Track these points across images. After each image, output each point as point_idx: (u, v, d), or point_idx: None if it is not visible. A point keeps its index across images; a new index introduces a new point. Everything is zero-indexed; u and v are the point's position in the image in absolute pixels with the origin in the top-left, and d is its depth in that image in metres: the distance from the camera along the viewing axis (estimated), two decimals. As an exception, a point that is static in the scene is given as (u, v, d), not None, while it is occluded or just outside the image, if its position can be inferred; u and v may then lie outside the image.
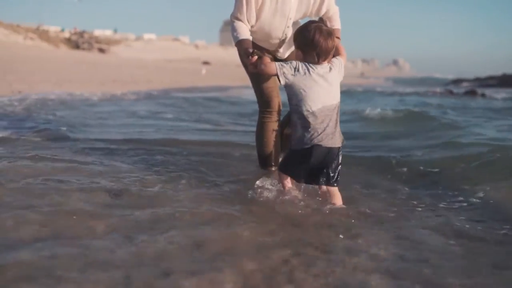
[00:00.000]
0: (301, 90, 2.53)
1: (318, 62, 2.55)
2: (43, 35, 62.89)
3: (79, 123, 5.69)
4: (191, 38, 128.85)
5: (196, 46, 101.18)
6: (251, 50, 2.67)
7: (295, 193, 2.80)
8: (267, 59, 2.60)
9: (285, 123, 3.36)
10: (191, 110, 9.03)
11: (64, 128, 5.07)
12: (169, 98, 11.41)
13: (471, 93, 23.36)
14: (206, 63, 53.73)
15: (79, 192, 2.62)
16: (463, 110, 11.84)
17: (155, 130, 5.66)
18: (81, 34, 71.27)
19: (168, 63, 49.01)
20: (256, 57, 2.61)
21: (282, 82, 2.56)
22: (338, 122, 2.64)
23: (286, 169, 2.77)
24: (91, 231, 2.05)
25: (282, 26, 2.99)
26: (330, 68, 2.59)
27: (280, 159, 2.98)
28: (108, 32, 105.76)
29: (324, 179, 2.64)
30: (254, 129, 3.41)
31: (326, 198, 2.74)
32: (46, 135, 4.61)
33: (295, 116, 2.61)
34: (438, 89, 28.67)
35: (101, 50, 66.19)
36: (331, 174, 2.64)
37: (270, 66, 2.55)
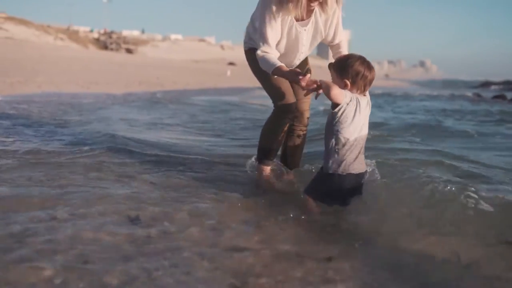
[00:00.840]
0: (348, 119, 2.68)
1: (364, 92, 2.74)
2: (73, 35, 64.39)
3: (71, 132, 5.37)
4: (217, 38, 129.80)
5: (222, 47, 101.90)
6: (299, 70, 2.81)
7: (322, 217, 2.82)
8: (336, 86, 2.64)
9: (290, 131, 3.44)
10: (202, 118, 8.50)
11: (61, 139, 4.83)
12: (181, 104, 11.03)
13: (499, 97, 22.87)
14: (231, 63, 54.09)
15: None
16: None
17: (169, 137, 5.50)
18: (109, 34, 72.53)
19: (194, 63, 49.52)
20: (308, 75, 2.72)
21: (337, 108, 2.66)
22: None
23: (317, 194, 2.84)
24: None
25: (293, 58, 3.20)
26: (368, 101, 2.77)
27: (309, 185, 2.92)
28: (135, 33, 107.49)
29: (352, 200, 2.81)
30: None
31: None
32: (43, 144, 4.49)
33: (332, 141, 2.73)
34: (466, 93, 28.17)
35: (129, 51, 67.26)
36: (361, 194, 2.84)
37: (340, 93, 2.63)
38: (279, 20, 2.92)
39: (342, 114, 2.67)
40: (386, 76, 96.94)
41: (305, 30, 3.03)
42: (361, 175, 2.79)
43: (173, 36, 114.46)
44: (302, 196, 2.93)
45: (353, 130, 2.70)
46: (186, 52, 78.82)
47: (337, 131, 2.70)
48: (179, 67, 34.47)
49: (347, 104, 2.66)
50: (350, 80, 2.68)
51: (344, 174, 2.72)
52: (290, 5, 2.83)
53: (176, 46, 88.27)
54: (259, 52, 2.96)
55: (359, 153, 2.75)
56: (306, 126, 3.47)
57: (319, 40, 3.15)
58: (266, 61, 2.93)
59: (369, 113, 2.80)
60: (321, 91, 2.72)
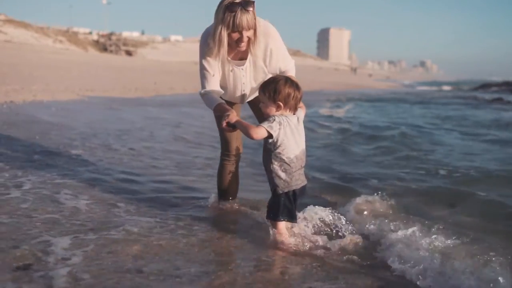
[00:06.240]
0: (284, 141, 2.80)
1: (294, 111, 2.86)
2: (72, 37, 64.46)
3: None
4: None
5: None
6: (226, 113, 2.88)
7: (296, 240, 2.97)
8: (255, 128, 2.77)
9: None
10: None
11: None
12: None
13: (497, 100, 22.89)
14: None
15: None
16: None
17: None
18: (108, 36, 72.53)
19: (194, 65, 49.43)
20: (225, 123, 2.85)
21: (274, 138, 2.78)
22: None
23: (278, 215, 2.91)
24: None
25: (236, 93, 3.25)
26: (297, 118, 2.89)
27: (268, 210, 3.02)
28: (135, 34, 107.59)
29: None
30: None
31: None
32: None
33: (276, 163, 2.85)
34: (464, 95, 28.19)
35: (128, 53, 67.30)
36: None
37: (261, 132, 2.76)
38: (214, 62, 3.04)
39: (278, 140, 2.79)
40: (387, 77, 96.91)
41: (242, 69, 3.11)
42: (303, 188, 2.93)
43: (173, 37, 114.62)
44: (268, 223, 3.00)
45: (294, 148, 2.84)
46: (186, 53, 78.77)
47: (279, 153, 2.82)
48: (177, 71, 34.50)
49: (279, 129, 2.76)
50: (282, 102, 2.80)
51: (293, 190, 2.86)
52: (214, 50, 2.93)
53: (176, 48, 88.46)
54: (201, 92, 3.12)
55: (301, 167, 2.89)
56: None
57: (264, 75, 3.16)
58: (207, 100, 3.10)
59: (302, 128, 2.92)
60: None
